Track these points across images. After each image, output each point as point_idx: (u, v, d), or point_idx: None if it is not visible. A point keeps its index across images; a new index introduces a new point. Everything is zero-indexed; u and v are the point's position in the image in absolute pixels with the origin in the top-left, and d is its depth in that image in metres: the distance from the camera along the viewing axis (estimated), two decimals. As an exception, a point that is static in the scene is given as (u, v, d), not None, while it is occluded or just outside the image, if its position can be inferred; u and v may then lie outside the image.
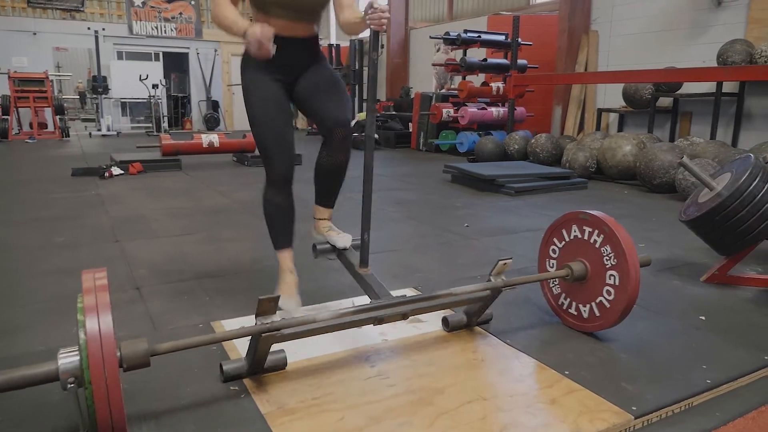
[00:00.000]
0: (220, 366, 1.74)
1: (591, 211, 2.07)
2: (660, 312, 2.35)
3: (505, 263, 1.93)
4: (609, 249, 1.97)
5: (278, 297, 1.56)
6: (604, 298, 2.00)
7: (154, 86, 12.15)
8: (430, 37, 9.21)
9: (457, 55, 9.06)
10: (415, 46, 12.64)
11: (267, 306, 1.55)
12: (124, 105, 13.29)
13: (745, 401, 1.68)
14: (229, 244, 3.39)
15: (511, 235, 3.65)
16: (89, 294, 1.31)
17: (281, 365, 1.79)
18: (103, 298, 1.30)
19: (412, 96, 11.17)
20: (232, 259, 3.08)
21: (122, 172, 6.24)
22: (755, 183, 2.52)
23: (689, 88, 6.72)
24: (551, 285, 2.26)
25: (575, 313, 2.13)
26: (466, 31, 8.52)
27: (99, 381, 1.22)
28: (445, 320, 2.14)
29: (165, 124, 12.74)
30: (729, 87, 6.33)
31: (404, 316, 1.82)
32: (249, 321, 1.70)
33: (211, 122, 13.71)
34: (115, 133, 12.03)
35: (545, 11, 9.53)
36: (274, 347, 1.90)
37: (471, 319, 2.13)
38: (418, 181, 6.03)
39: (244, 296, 2.47)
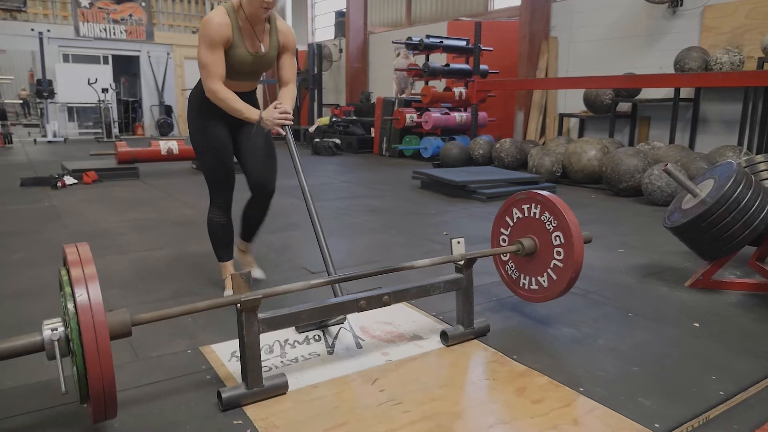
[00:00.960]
0: (218, 393, 1.62)
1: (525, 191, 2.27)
2: (654, 319, 2.35)
3: (459, 242, 2.09)
4: (548, 215, 2.17)
5: (249, 272, 1.66)
6: (556, 260, 2.16)
7: (104, 90, 11.64)
8: (393, 42, 9.18)
9: (419, 60, 9.06)
10: (374, 50, 12.59)
11: (239, 281, 1.61)
12: (71, 110, 12.67)
13: (758, 412, 1.67)
14: (203, 259, 3.22)
15: (491, 242, 3.61)
16: (75, 266, 1.34)
17: (282, 387, 1.69)
18: (89, 269, 1.35)
19: (373, 100, 11.13)
20: (208, 274, 2.92)
21: (76, 181, 5.91)
22: (739, 190, 2.56)
23: (648, 93, 6.91)
24: (509, 272, 2.41)
25: (536, 288, 2.27)
26: (428, 37, 8.52)
27: (91, 349, 1.27)
28: (443, 334, 2.10)
29: (116, 130, 12.21)
30: (685, 92, 6.54)
31: (381, 300, 1.88)
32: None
33: (165, 127, 13.26)
34: (62, 139, 11.47)
35: (504, 17, 9.65)
36: (274, 372, 1.79)
37: (466, 329, 2.11)
38: (388, 188, 5.95)
39: (230, 315, 2.32)
